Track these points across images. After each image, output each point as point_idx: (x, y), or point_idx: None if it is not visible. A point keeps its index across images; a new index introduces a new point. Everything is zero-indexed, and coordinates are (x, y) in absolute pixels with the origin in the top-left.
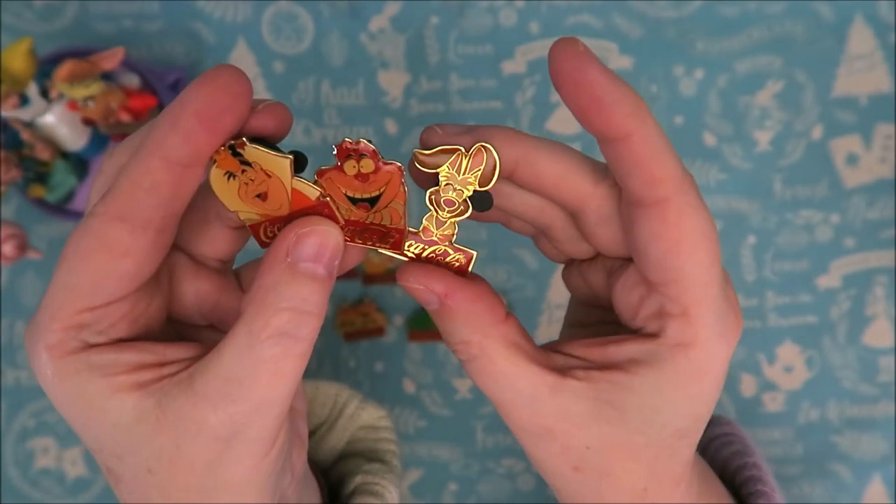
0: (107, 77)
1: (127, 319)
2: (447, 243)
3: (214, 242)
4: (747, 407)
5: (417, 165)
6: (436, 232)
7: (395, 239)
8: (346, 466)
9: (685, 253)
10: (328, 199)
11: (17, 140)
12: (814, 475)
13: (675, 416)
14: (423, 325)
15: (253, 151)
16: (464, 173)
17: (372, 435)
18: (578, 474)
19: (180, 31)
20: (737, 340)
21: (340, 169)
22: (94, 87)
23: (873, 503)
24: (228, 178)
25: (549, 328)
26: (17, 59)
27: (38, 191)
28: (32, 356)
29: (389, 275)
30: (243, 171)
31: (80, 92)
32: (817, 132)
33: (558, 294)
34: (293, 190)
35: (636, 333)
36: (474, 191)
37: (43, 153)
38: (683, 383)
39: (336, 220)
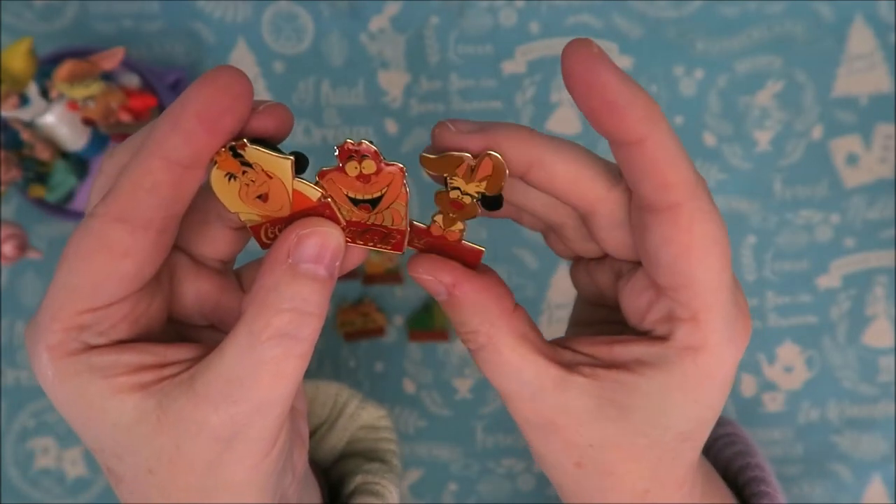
0: (107, 77)
1: (127, 320)
2: (456, 241)
3: (215, 243)
4: (747, 407)
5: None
6: (445, 230)
7: (396, 240)
8: (346, 466)
9: (696, 258)
10: (329, 199)
11: (17, 140)
12: (814, 475)
13: (680, 419)
14: (423, 325)
15: (254, 152)
16: (471, 181)
17: (372, 435)
18: (580, 470)
19: (180, 31)
20: (745, 345)
21: (342, 170)
22: (94, 87)
23: (873, 503)
24: (229, 179)
25: (549, 328)
26: (17, 59)
27: (38, 191)
28: (33, 357)
29: (389, 275)
30: (244, 172)
31: (80, 92)
32: (817, 132)
33: (558, 294)
34: (294, 191)
35: (644, 335)
36: (482, 195)
37: (43, 153)
38: (690, 387)
39: (337, 221)
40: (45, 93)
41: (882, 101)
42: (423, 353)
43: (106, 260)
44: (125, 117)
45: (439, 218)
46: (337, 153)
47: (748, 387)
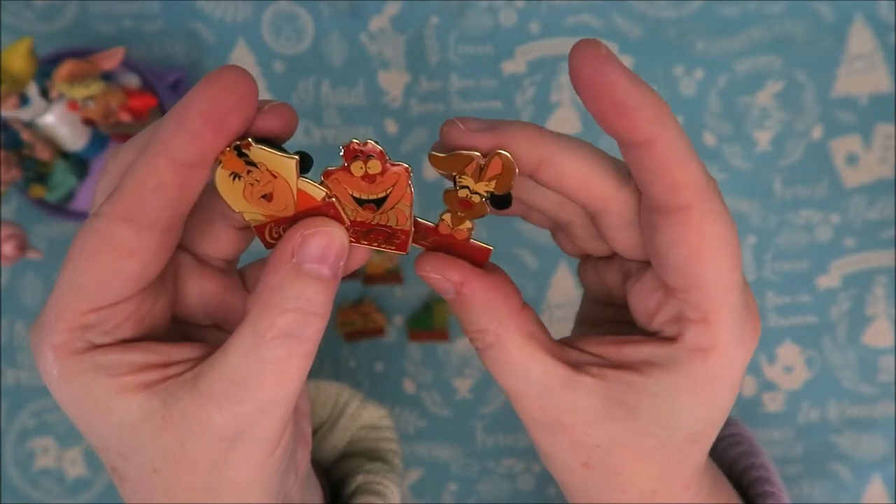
0: (107, 77)
1: (132, 320)
2: (464, 240)
3: (219, 242)
4: (747, 407)
5: (433, 167)
6: (452, 228)
7: (400, 240)
8: (347, 466)
9: (706, 259)
10: (334, 199)
11: (17, 140)
12: (814, 475)
13: (688, 420)
14: (423, 325)
15: (258, 152)
16: (481, 180)
17: (373, 434)
18: (588, 471)
19: (180, 31)
20: (755, 346)
21: (347, 170)
22: (94, 87)
23: (873, 503)
24: (234, 179)
25: (550, 328)
26: (17, 59)
27: (38, 191)
28: (38, 356)
29: (389, 275)
30: (249, 171)
31: (80, 92)
32: (817, 132)
33: (558, 294)
34: (299, 190)
35: (653, 336)
36: (491, 194)
37: (43, 153)
38: (699, 388)
39: (342, 221)
40: (45, 93)
41: (882, 101)
42: (423, 353)
43: (111, 259)
44: (125, 117)
45: (447, 217)
46: (342, 153)
47: (748, 387)
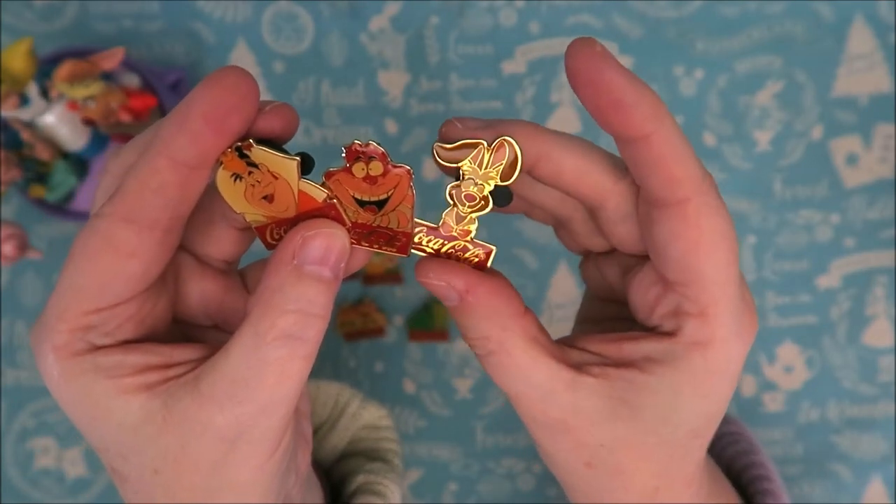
0: (107, 77)
1: (133, 320)
2: (467, 238)
3: (220, 243)
4: (747, 407)
5: (438, 160)
6: (455, 227)
7: (401, 242)
8: (347, 466)
9: (704, 253)
10: (335, 201)
11: (17, 140)
12: (814, 475)
13: (689, 415)
14: (423, 325)
15: (260, 153)
16: (485, 168)
17: (373, 434)
18: (591, 470)
19: (180, 31)
20: (752, 340)
21: (349, 171)
22: (94, 87)
23: (873, 503)
24: (235, 180)
25: (550, 328)
26: (17, 59)
27: (38, 191)
28: (39, 356)
29: (389, 275)
30: (250, 172)
31: (80, 92)
32: (817, 132)
33: (558, 294)
34: (300, 192)
35: (652, 331)
36: (495, 186)
37: (43, 153)
38: (699, 382)
39: (343, 223)
40: (45, 93)
41: (882, 101)
42: (423, 353)
43: (112, 260)
44: (125, 117)
45: (449, 217)
46: (344, 154)
47: (748, 387)
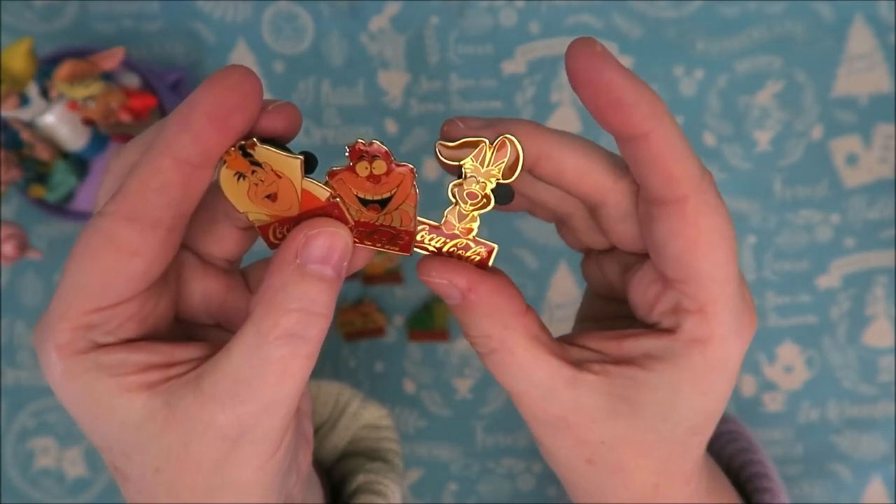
0: (107, 77)
1: (135, 319)
2: (469, 236)
3: (222, 242)
4: (747, 407)
5: (440, 158)
6: (458, 225)
7: (404, 241)
8: (348, 466)
9: (703, 251)
10: (338, 200)
11: (17, 140)
12: (814, 475)
13: (689, 412)
14: (423, 325)
15: (263, 152)
16: (487, 165)
17: (374, 434)
18: (591, 467)
19: (180, 31)
20: (751, 338)
21: (352, 170)
22: (94, 87)
23: (873, 503)
24: (238, 179)
25: (550, 328)
26: (17, 59)
27: (38, 191)
28: (41, 355)
29: (389, 275)
30: (253, 171)
31: (80, 92)
32: (817, 132)
33: (558, 294)
34: (303, 191)
35: (652, 328)
36: (497, 184)
37: (43, 153)
38: (699, 379)
39: (346, 222)
40: (45, 93)
41: (882, 101)
42: (423, 353)
43: (115, 259)
44: (125, 117)
45: (452, 215)
46: (347, 153)
47: (748, 387)
